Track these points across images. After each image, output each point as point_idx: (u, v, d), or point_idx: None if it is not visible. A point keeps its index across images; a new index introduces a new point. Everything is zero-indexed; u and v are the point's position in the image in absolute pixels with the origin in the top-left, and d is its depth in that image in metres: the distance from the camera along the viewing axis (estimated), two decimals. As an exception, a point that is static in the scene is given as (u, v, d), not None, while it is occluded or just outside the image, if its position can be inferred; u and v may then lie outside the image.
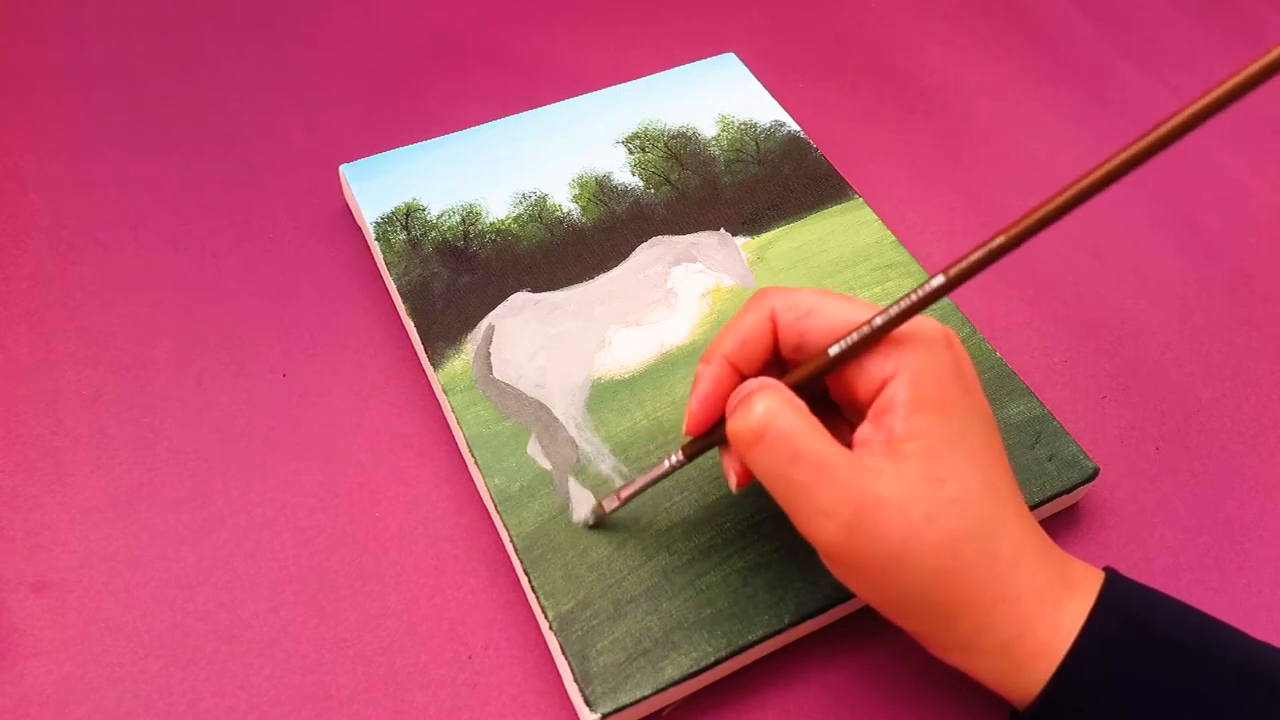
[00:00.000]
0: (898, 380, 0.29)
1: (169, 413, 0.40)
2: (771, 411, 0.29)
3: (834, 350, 0.30)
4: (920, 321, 0.30)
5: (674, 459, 0.33)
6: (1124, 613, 0.29)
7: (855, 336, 0.29)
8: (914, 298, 0.29)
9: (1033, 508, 0.37)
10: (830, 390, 0.32)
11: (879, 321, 0.29)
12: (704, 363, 0.32)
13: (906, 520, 0.27)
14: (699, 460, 0.36)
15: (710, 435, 0.32)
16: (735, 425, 0.30)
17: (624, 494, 0.34)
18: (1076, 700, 0.28)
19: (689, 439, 0.33)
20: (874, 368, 0.29)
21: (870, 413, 0.29)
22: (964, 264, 0.28)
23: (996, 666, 0.29)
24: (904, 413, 0.28)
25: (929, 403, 0.28)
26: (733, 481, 0.32)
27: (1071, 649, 0.28)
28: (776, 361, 0.32)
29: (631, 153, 0.47)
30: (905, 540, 0.28)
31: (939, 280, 0.28)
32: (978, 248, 0.28)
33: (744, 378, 0.32)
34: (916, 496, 0.28)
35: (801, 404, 0.29)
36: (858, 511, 0.28)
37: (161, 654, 0.35)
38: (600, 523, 0.36)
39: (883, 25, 0.59)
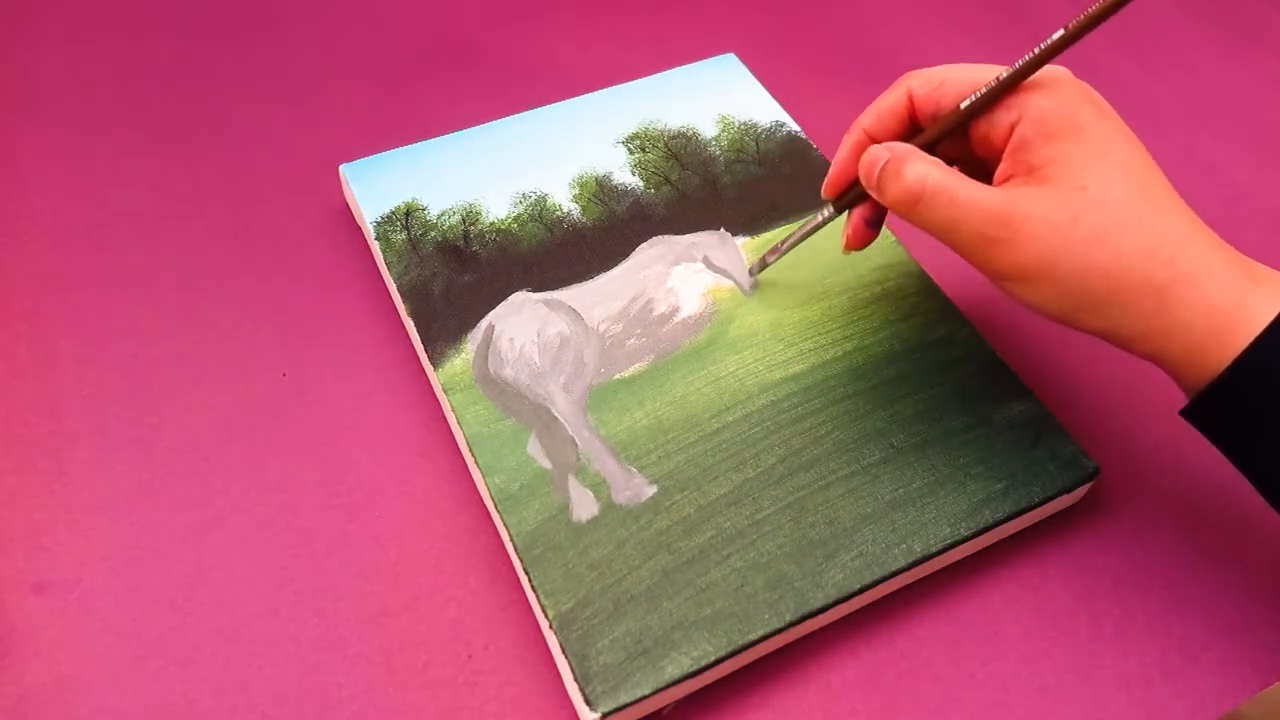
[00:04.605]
0: (1023, 121, 0.32)
1: (169, 413, 0.40)
2: (920, 173, 0.32)
3: (964, 104, 0.33)
4: (1044, 70, 0.32)
5: (825, 213, 0.38)
6: None
7: (982, 91, 0.32)
8: (1035, 51, 0.31)
9: (1033, 508, 0.37)
10: (976, 151, 0.34)
11: (1004, 75, 0.32)
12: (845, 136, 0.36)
13: (1052, 226, 0.30)
14: (697, 460, 0.37)
15: (848, 194, 0.37)
16: (893, 194, 0.33)
17: (783, 248, 0.41)
18: (1265, 377, 0.29)
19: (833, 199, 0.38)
20: (1002, 118, 0.32)
21: (1006, 154, 0.32)
22: (1084, 17, 0.30)
23: (1182, 347, 0.31)
24: (1036, 145, 0.31)
25: (1057, 132, 0.31)
26: (844, 243, 0.38)
27: (1267, 329, 0.29)
28: (911, 137, 0.35)
29: (631, 153, 0.47)
30: (1054, 244, 0.30)
31: (1058, 34, 0.31)
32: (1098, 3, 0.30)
33: None
34: (1059, 204, 0.30)
35: (940, 162, 0.33)
36: (1011, 229, 0.31)
37: (161, 654, 0.35)
38: (753, 272, 0.43)
39: (883, 25, 0.59)
